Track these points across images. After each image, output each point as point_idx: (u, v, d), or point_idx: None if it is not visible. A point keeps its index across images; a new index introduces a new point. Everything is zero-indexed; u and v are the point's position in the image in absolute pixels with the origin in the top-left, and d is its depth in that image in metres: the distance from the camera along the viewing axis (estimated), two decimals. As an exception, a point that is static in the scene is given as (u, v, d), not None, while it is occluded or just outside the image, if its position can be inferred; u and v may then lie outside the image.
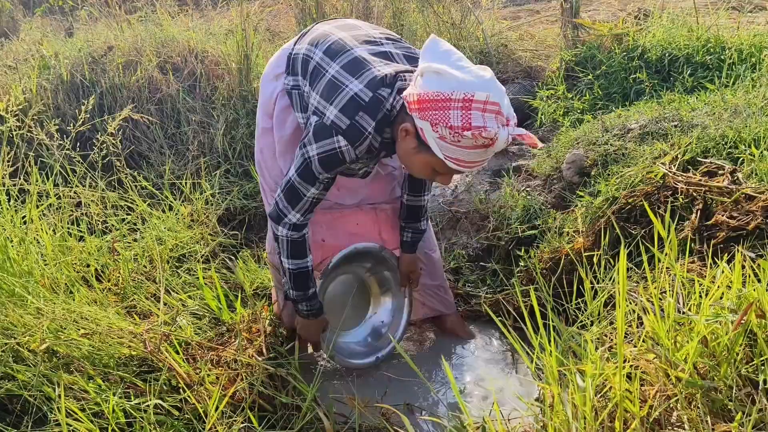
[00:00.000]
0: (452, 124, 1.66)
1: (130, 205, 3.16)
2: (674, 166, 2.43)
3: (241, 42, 4.04)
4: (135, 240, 2.93)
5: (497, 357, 2.53)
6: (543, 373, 1.69)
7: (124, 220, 3.06)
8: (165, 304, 2.40)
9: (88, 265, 2.64)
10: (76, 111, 3.36)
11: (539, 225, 2.86)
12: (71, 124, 3.14)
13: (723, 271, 1.64)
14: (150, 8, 4.85)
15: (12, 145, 3.20)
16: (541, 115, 4.01)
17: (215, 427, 1.88)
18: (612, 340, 1.77)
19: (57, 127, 3.13)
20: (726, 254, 1.88)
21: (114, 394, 1.88)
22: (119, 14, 4.70)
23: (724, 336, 1.46)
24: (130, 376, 2.00)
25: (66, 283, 2.40)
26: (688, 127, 2.72)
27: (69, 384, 1.91)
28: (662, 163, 2.45)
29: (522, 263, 2.75)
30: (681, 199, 2.26)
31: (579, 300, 2.11)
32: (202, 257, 2.90)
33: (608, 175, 2.73)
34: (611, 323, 1.89)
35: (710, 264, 1.92)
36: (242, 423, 1.93)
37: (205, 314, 2.45)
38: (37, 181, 2.84)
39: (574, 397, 1.49)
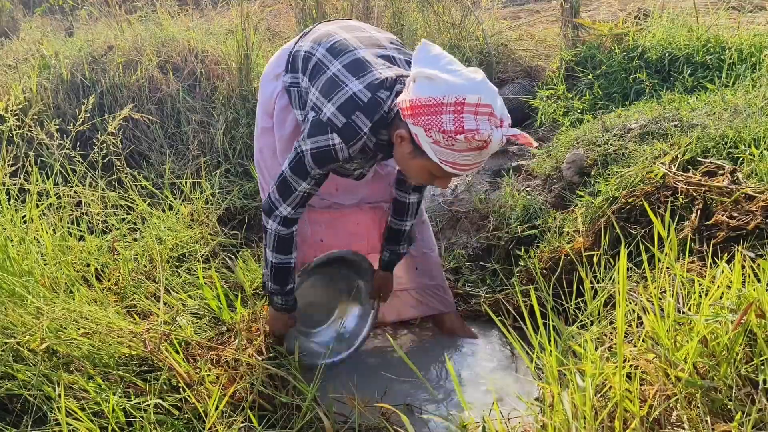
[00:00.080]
0: (445, 128, 1.66)
1: (130, 204, 3.16)
2: (674, 165, 2.43)
3: (241, 42, 4.04)
4: (135, 239, 2.93)
5: (497, 357, 2.53)
6: (543, 372, 1.69)
7: (124, 219, 3.06)
8: (165, 303, 2.40)
9: (88, 265, 2.64)
10: (76, 110, 3.36)
11: (539, 225, 2.86)
12: (71, 124, 3.14)
13: (723, 271, 1.64)
14: (150, 8, 4.85)
15: (12, 145, 3.20)
16: (541, 114, 4.00)
17: (215, 427, 1.88)
18: (612, 339, 1.77)
19: (57, 126, 3.13)
20: (726, 254, 1.88)
21: (114, 394, 1.88)
22: (119, 14, 4.70)
23: (724, 336, 1.46)
24: (130, 375, 2.00)
25: (66, 283, 2.40)
26: (688, 127, 2.72)
27: (69, 383, 1.91)
28: (662, 163, 2.45)
29: (522, 263, 2.75)
30: (681, 199, 2.26)
31: (579, 300, 2.11)
32: (202, 257, 2.90)
33: (608, 174, 2.73)
34: (611, 323, 1.89)
35: (710, 264, 1.92)
36: (242, 422, 1.93)
37: (205, 314, 2.45)
38: (37, 180, 2.84)
39: (573, 396, 1.49)
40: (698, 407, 1.42)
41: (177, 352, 2.11)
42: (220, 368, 2.12)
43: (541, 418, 1.60)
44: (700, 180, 2.28)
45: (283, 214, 2.08)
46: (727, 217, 2.09)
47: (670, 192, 2.32)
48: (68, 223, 2.82)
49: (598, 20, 4.77)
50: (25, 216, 2.67)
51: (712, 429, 1.37)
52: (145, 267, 2.75)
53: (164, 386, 1.99)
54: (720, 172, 2.31)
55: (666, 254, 1.79)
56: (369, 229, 2.49)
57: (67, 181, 3.15)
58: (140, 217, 3.09)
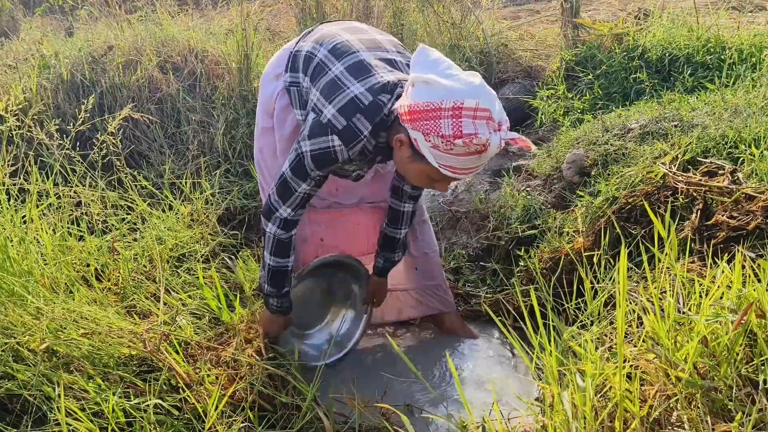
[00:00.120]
0: (443, 133, 1.66)
1: (130, 204, 3.16)
2: (674, 165, 2.43)
3: (241, 41, 4.04)
4: (135, 239, 2.92)
5: (497, 357, 2.53)
6: (543, 372, 1.69)
7: (124, 219, 3.06)
8: (165, 303, 2.40)
9: (88, 265, 2.63)
10: (76, 110, 3.36)
11: (539, 225, 2.86)
12: (71, 124, 3.14)
13: (723, 271, 1.64)
14: (150, 8, 4.85)
15: (12, 145, 3.20)
16: (542, 114, 4.00)
17: (215, 427, 1.88)
18: (612, 339, 1.77)
19: (57, 126, 3.13)
20: (726, 254, 1.88)
21: (114, 394, 1.88)
22: (119, 14, 4.70)
23: (724, 336, 1.46)
24: (129, 375, 2.00)
25: (66, 283, 2.40)
26: (688, 127, 2.72)
27: (69, 384, 1.91)
28: (662, 163, 2.45)
29: (522, 263, 2.75)
30: (681, 199, 2.26)
31: (579, 300, 2.11)
32: (202, 257, 2.90)
33: (608, 174, 2.73)
34: (611, 323, 1.89)
35: (710, 264, 1.92)
36: (242, 423, 1.93)
37: (204, 314, 2.45)
38: (37, 180, 2.84)
39: (574, 396, 1.49)
40: (698, 407, 1.42)
41: (177, 352, 2.11)
42: (219, 368, 2.12)
43: (541, 418, 1.60)
44: (700, 180, 2.28)
45: (283, 216, 2.08)
46: (728, 217, 2.09)
47: (670, 192, 2.32)
48: (68, 223, 2.82)
49: (598, 20, 4.77)
50: (24, 216, 2.67)
51: (713, 429, 1.37)
52: (145, 267, 2.75)
53: (164, 386, 1.99)
54: (720, 172, 2.31)
55: (666, 254, 1.79)
56: (369, 229, 2.49)
57: (66, 181, 3.15)
58: (140, 217, 3.09)
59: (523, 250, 2.78)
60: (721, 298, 1.57)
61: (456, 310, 2.71)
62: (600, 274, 2.14)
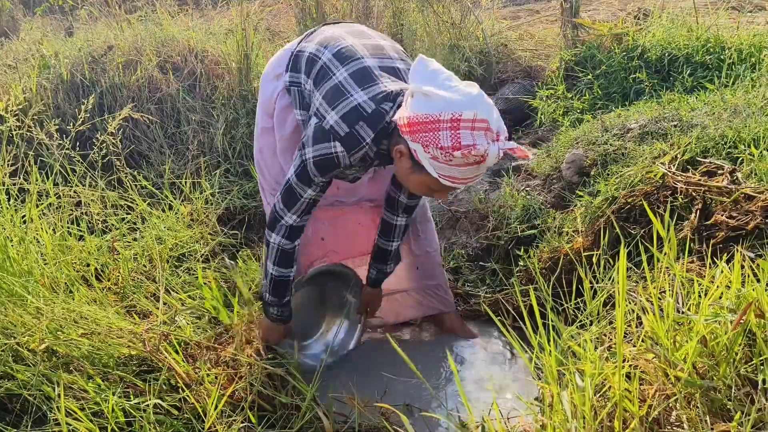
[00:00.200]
0: (442, 144, 1.68)
1: (129, 204, 3.16)
2: (674, 165, 2.43)
3: (241, 41, 4.04)
4: (135, 239, 2.93)
5: (497, 356, 2.53)
6: (542, 372, 1.69)
7: (123, 219, 3.06)
8: (164, 303, 2.40)
9: (88, 265, 2.64)
10: (76, 110, 3.36)
11: (539, 225, 2.87)
12: (71, 124, 3.14)
13: (722, 271, 1.64)
14: (150, 8, 4.85)
15: (12, 145, 3.20)
16: (541, 114, 4.01)
17: (214, 427, 1.88)
18: (611, 339, 1.77)
19: (57, 126, 3.13)
20: (725, 254, 1.88)
21: (113, 394, 1.88)
22: (119, 14, 4.70)
23: (723, 336, 1.46)
24: (129, 375, 2.00)
25: (66, 283, 2.40)
26: (687, 127, 2.72)
27: (68, 383, 1.91)
28: (662, 163, 2.45)
29: (521, 263, 2.75)
30: (680, 199, 2.26)
31: (578, 300, 2.11)
32: (201, 257, 2.90)
33: (608, 174, 2.73)
34: (610, 323, 1.89)
35: (709, 264, 1.92)
36: (242, 422, 1.93)
37: (204, 314, 2.45)
38: (36, 180, 2.84)
39: (573, 396, 1.49)
40: (697, 407, 1.42)
41: (176, 352, 2.11)
42: (219, 368, 2.12)
43: (541, 418, 1.60)
44: (699, 180, 2.28)
45: (289, 223, 2.09)
46: (727, 217, 2.09)
47: (669, 192, 2.32)
48: (68, 223, 2.82)
49: (597, 20, 4.77)
50: (24, 216, 2.67)
51: (712, 429, 1.37)
52: (145, 267, 2.75)
53: (163, 386, 1.99)
54: (719, 172, 2.31)
55: (665, 254, 1.79)
56: (369, 229, 2.49)
57: (66, 181, 3.15)
58: (140, 216, 3.09)
59: (522, 249, 2.78)
60: (720, 297, 1.57)
61: (456, 310, 2.71)
62: (599, 273, 2.14)
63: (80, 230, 2.83)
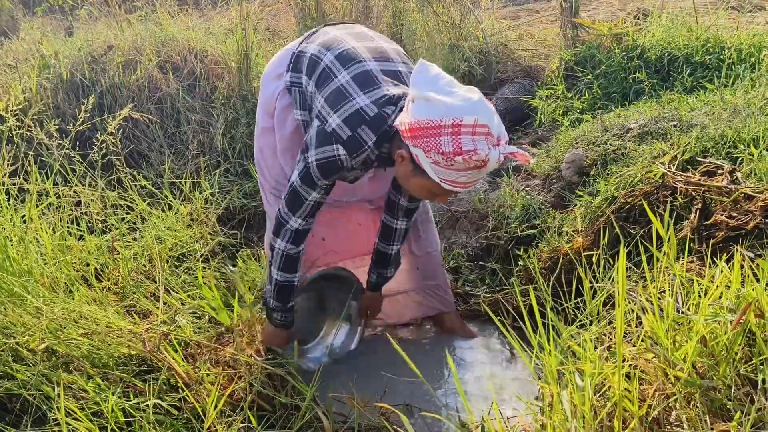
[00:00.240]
0: (444, 150, 1.70)
1: (129, 204, 3.16)
2: (673, 165, 2.43)
3: (241, 41, 4.04)
4: (134, 239, 2.93)
5: (496, 356, 2.53)
6: (542, 372, 1.69)
7: (123, 219, 3.06)
8: (164, 303, 2.40)
9: (88, 264, 2.64)
10: (76, 110, 3.36)
11: (538, 224, 2.87)
12: (71, 124, 3.14)
13: (722, 271, 1.64)
14: (150, 7, 4.85)
15: (12, 145, 3.20)
16: (541, 114, 4.01)
17: (214, 427, 1.88)
18: (611, 339, 1.77)
19: (57, 126, 3.13)
20: (725, 254, 1.88)
21: (113, 394, 1.88)
22: (119, 13, 4.70)
23: (723, 335, 1.46)
24: (129, 375, 2.00)
25: (65, 283, 2.40)
26: (687, 127, 2.72)
27: (68, 383, 1.91)
28: (661, 163, 2.45)
29: (521, 263, 2.75)
30: (680, 199, 2.26)
31: (578, 299, 2.11)
32: (201, 256, 2.90)
33: (607, 174, 2.73)
34: (610, 323, 1.89)
35: (709, 263, 1.92)
36: (241, 422, 1.93)
37: (204, 313, 2.45)
38: (36, 180, 2.84)
39: (573, 396, 1.50)
40: (697, 407, 1.42)
41: (176, 351, 2.11)
42: (219, 368, 2.12)
43: (541, 418, 1.60)
44: (699, 180, 2.28)
45: (294, 227, 2.09)
46: (726, 217, 2.09)
47: (669, 192, 2.32)
48: (68, 222, 2.82)
49: (597, 20, 4.77)
50: (24, 216, 2.67)
51: (711, 428, 1.37)
52: (145, 267, 2.75)
53: (163, 386, 1.99)
54: (719, 171, 2.31)
55: (665, 254, 1.79)
56: (369, 230, 2.50)
57: (66, 181, 3.15)
58: (140, 216, 3.09)
59: (522, 249, 2.78)
60: (720, 297, 1.57)
61: (456, 310, 2.71)
62: (599, 273, 2.14)
63: (80, 230, 2.83)
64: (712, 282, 1.63)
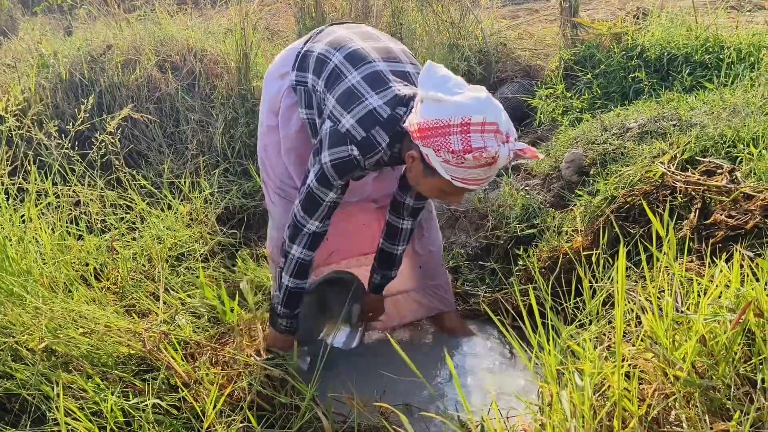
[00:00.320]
0: (453, 148, 1.71)
1: (129, 204, 3.16)
2: (673, 165, 2.43)
3: (240, 41, 4.04)
4: (134, 239, 2.92)
5: (496, 356, 2.53)
6: (542, 371, 1.69)
7: (123, 219, 3.06)
8: (164, 302, 2.40)
9: (87, 264, 2.63)
10: (75, 110, 3.35)
11: (538, 224, 2.86)
12: (70, 123, 3.14)
13: (721, 270, 1.64)
14: (149, 7, 4.85)
15: (11, 144, 3.20)
16: (540, 114, 4.00)
17: (213, 426, 1.88)
18: (610, 339, 1.77)
19: (56, 127, 3.13)
20: (724, 253, 1.88)
21: (112, 393, 1.88)
22: (118, 13, 4.69)
23: (723, 335, 1.46)
24: (128, 375, 2.00)
25: (65, 282, 2.40)
26: (686, 127, 2.72)
27: (67, 383, 1.91)
28: (661, 162, 2.45)
29: (521, 262, 2.75)
30: (680, 198, 2.26)
31: (578, 299, 2.11)
32: (201, 256, 2.90)
33: (607, 174, 2.73)
34: (610, 322, 1.89)
35: (709, 263, 1.92)
36: (241, 422, 1.93)
37: (203, 313, 2.45)
38: (36, 180, 2.84)
39: (572, 395, 1.49)
40: (697, 406, 1.42)
41: (176, 351, 2.10)
42: (218, 368, 2.12)
43: (540, 417, 1.60)
44: (698, 179, 2.28)
45: (312, 230, 2.10)
46: (726, 217, 2.09)
47: (668, 191, 2.32)
48: (67, 222, 2.82)
49: (597, 19, 4.77)
50: (23, 215, 2.67)
51: (711, 428, 1.37)
52: (144, 266, 2.75)
53: (162, 386, 1.99)
54: (719, 171, 2.31)
55: (665, 253, 1.79)
56: (374, 229, 2.50)
57: (65, 181, 3.15)
58: (139, 216, 3.09)
59: (521, 249, 2.78)
60: (720, 297, 1.57)
61: (456, 310, 2.71)
62: (599, 273, 2.14)
63: (79, 230, 2.83)
64: (712, 281, 1.63)
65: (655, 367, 1.52)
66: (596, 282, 2.09)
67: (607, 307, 2.01)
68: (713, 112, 2.78)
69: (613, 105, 3.63)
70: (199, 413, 1.92)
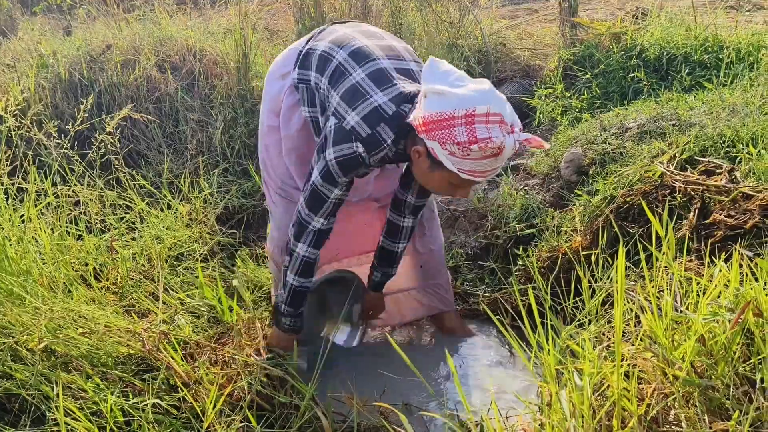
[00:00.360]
0: (459, 140, 1.71)
1: (128, 203, 3.16)
2: (672, 165, 2.44)
3: (240, 41, 4.04)
4: (133, 239, 2.93)
5: (495, 355, 2.53)
6: (541, 371, 1.70)
7: (122, 218, 3.06)
8: (163, 302, 2.40)
9: (87, 264, 2.63)
10: (75, 110, 3.35)
11: (537, 224, 2.87)
12: (70, 123, 3.14)
13: (720, 270, 1.64)
14: (148, 7, 4.85)
15: (10, 144, 3.20)
16: (540, 114, 4.00)
17: (213, 426, 1.88)
18: (610, 338, 1.77)
19: (55, 127, 3.13)
20: (724, 253, 1.89)
21: (112, 393, 1.88)
22: (117, 13, 4.69)
23: (722, 335, 1.46)
24: (128, 375, 2.00)
25: (64, 282, 2.40)
26: (686, 126, 2.73)
27: (67, 383, 1.91)
28: (660, 162, 2.46)
29: (520, 262, 2.75)
30: (679, 198, 2.26)
31: (577, 299, 2.11)
32: (200, 256, 2.90)
33: (606, 174, 2.73)
34: (609, 322, 1.89)
35: (708, 263, 1.92)
36: (240, 422, 1.93)
37: (203, 313, 2.45)
38: (35, 179, 2.84)
39: (572, 395, 1.50)
40: (696, 406, 1.42)
41: (175, 351, 2.11)
42: (218, 368, 2.12)
43: (539, 417, 1.60)
44: (698, 179, 2.28)
45: (317, 228, 2.10)
46: (725, 216, 2.09)
47: (668, 191, 2.33)
48: (66, 222, 2.82)
49: (596, 19, 4.77)
50: (23, 215, 2.67)
51: (710, 428, 1.37)
52: (144, 266, 2.75)
53: (162, 386, 1.99)
54: (718, 171, 2.31)
55: (664, 253, 1.79)
56: (375, 228, 2.50)
57: (65, 181, 3.15)
58: (138, 216, 3.09)
59: (521, 249, 2.78)
60: (719, 296, 1.58)
61: (455, 309, 2.71)
62: (598, 273, 2.14)
63: (79, 230, 2.83)
64: (711, 281, 1.63)
65: (654, 366, 1.53)
66: (595, 282, 2.09)
67: (606, 306, 2.02)
68: (712, 112, 2.78)
69: (613, 105, 3.63)
70: (199, 413, 1.92)
